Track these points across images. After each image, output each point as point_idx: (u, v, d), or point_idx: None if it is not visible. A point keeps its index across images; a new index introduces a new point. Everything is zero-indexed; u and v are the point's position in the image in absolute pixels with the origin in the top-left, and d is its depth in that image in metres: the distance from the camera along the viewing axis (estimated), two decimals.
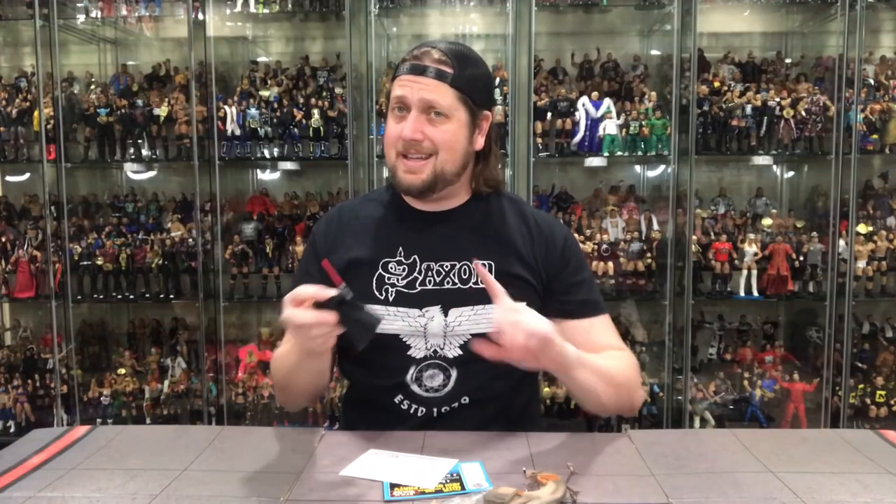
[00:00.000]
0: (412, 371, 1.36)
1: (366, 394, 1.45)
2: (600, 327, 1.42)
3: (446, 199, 1.41)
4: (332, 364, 1.40)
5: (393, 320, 1.35)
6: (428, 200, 1.39)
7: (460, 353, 1.35)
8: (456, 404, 1.36)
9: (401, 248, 1.38)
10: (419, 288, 1.36)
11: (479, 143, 1.39)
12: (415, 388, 1.36)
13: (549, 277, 1.41)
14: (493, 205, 1.44)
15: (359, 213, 1.47)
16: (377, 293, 1.36)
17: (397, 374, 1.36)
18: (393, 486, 1.06)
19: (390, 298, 1.36)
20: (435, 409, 1.36)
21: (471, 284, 1.35)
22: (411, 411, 1.37)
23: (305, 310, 1.11)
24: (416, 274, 1.36)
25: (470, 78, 1.32)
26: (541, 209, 2.36)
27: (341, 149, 3.12)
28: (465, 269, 1.36)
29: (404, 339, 1.36)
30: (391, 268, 1.37)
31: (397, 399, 1.37)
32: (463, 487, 1.08)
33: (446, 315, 1.35)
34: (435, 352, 1.35)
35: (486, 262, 1.36)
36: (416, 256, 1.37)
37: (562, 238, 1.43)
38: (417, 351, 1.35)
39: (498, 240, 1.40)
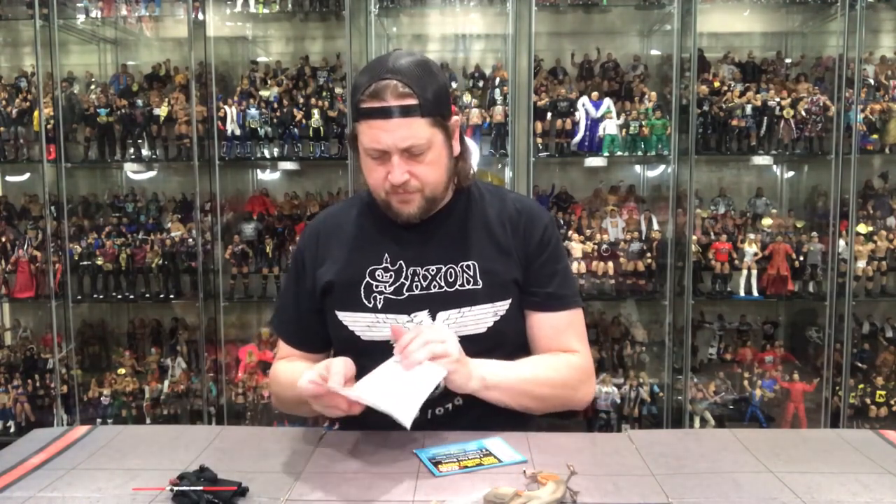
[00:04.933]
0: None
1: None
2: (561, 324, 1.40)
3: None
4: None
5: (382, 327, 1.35)
6: None
7: None
8: (449, 405, 1.36)
9: (386, 255, 1.38)
10: (406, 294, 1.36)
11: (456, 148, 1.38)
12: None
13: (525, 265, 1.40)
14: (473, 199, 1.44)
15: (342, 221, 1.46)
16: (365, 301, 1.36)
17: None
18: (437, 463, 1.13)
19: (378, 306, 1.36)
20: (429, 412, 1.36)
21: (457, 287, 1.35)
22: None
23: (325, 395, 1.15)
24: (402, 280, 1.36)
25: (434, 96, 1.27)
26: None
27: (341, 149, 3.12)
28: (450, 272, 1.36)
29: (394, 345, 1.36)
30: (378, 275, 1.37)
31: None
32: (499, 460, 1.14)
33: (434, 319, 1.35)
34: None
35: (469, 263, 1.36)
36: (401, 262, 1.37)
37: (542, 225, 1.41)
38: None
39: (480, 237, 1.39)
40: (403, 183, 1.29)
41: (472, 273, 1.36)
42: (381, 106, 1.24)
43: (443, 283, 1.36)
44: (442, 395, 1.35)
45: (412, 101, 1.24)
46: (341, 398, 1.15)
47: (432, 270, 1.36)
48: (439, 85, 1.30)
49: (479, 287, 1.35)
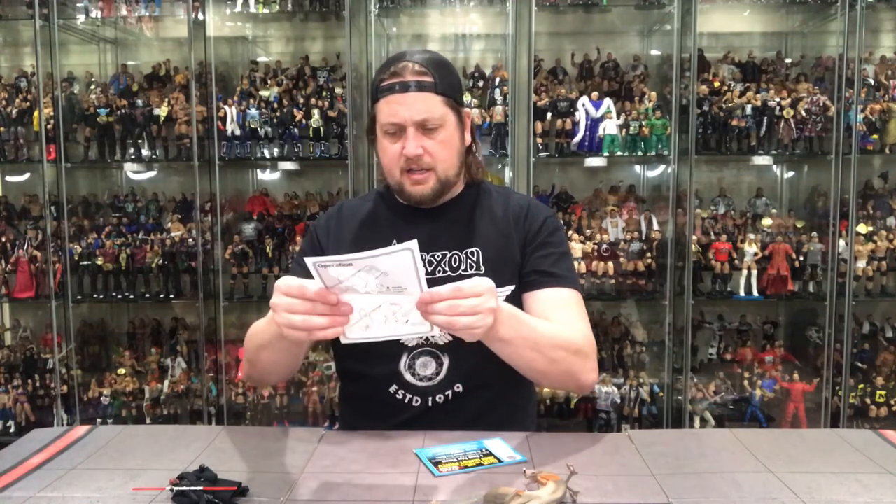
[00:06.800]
0: (405, 359, 1.39)
1: (361, 386, 1.46)
2: (557, 299, 1.37)
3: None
4: (305, 352, 1.43)
5: None
6: None
7: (451, 338, 1.37)
8: (450, 392, 1.38)
9: (395, 241, 1.41)
10: None
11: (468, 139, 1.46)
12: (408, 376, 1.38)
13: (523, 250, 1.43)
14: (482, 193, 1.51)
15: (358, 211, 1.52)
16: None
17: (390, 362, 1.39)
18: (437, 463, 1.13)
19: None
20: (430, 399, 1.38)
21: (460, 272, 1.39)
22: (406, 401, 1.39)
23: (296, 301, 1.08)
24: None
25: (449, 82, 1.38)
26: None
27: (341, 149, 3.12)
28: (455, 258, 1.41)
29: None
30: None
31: (392, 389, 1.39)
32: (499, 460, 1.14)
33: None
34: (427, 339, 1.38)
35: (473, 249, 1.41)
36: None
37: (542, 217, 1.47)
38: (409, 339, 1.38)
39: (485, 227, 1.44)
40: (417, 158, 1.35)
41: (475, 259, 1.41)
42: (399, 81, 1.34)
43: (447, 269, 1.40)
44: (442, 382, 1.38)
45: (428, 79, 1.35)
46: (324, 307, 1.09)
47: (438, 256, 1.41)
48: (453, 76, 1.41)
49: (482, 273, 1.39)
